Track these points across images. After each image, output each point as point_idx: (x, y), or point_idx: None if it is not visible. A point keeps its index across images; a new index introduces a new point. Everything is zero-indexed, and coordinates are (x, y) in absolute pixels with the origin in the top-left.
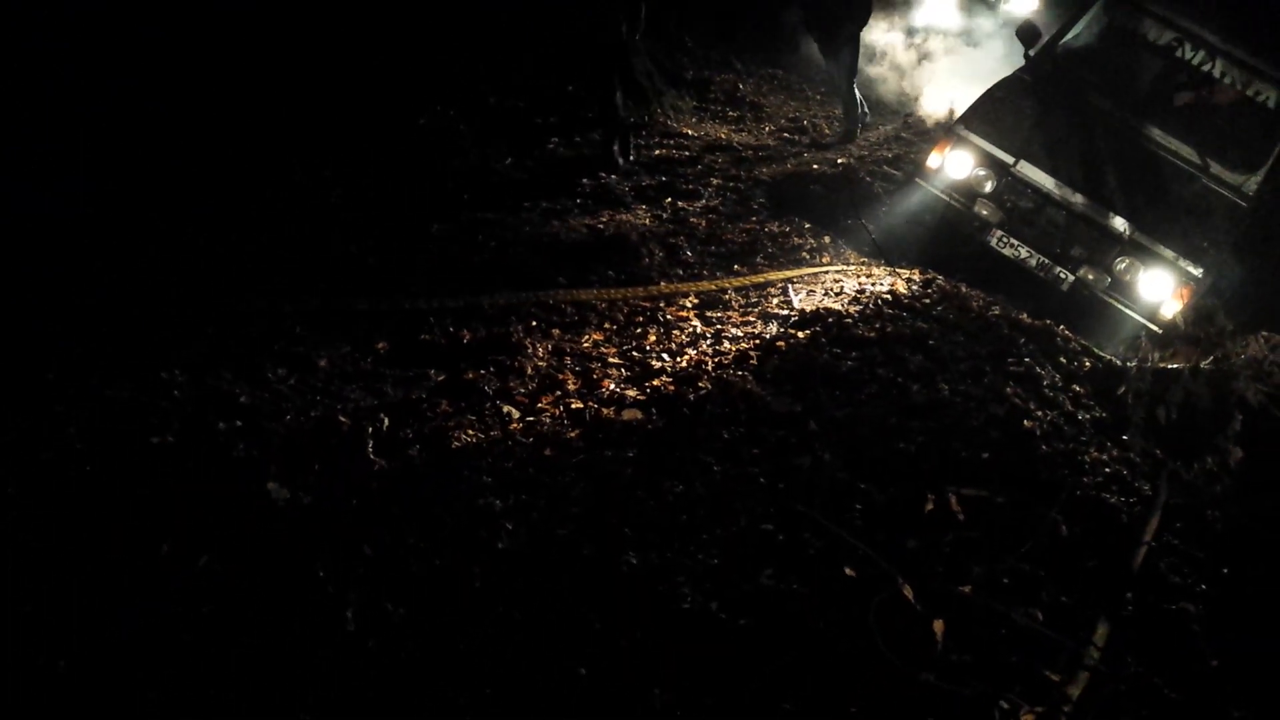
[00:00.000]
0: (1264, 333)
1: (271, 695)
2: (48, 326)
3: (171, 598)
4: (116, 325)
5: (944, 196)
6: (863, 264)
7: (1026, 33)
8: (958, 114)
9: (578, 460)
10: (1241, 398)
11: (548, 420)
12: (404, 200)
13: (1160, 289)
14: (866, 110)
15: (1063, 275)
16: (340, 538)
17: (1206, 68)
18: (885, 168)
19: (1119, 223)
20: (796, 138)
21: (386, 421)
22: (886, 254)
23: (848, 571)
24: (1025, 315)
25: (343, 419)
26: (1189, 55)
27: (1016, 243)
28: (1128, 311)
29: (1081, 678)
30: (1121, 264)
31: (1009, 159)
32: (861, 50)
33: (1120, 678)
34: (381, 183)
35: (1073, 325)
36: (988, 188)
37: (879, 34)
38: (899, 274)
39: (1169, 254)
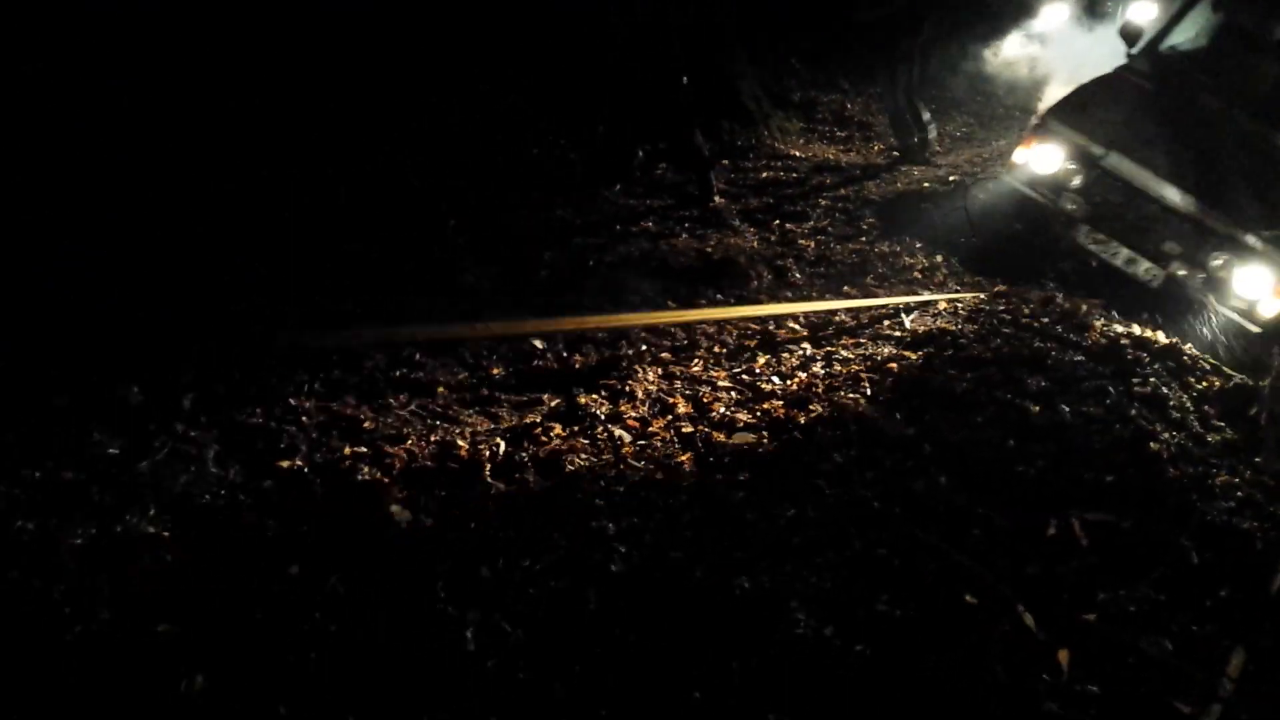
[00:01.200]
0: None
1: (396, 713)
2: (177, 352)
3: (300, 617)
4: (243, 349)
5: (1029, 191)
6: (976, 282)
7: (1129, 31)
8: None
9: (689, 484)
10: None
11: (659, 444)
12: (517, 228)
13: (1259, 286)
14: (932, 133)
15: (1154, 272)
16: (460, 560)
17: None
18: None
19: (1215, 217)
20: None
21: (503, 446)
22: (992, 268)
23: (967, 599)
24: (1150, 332)
25: (461, 443)
26: None
27: (1104, 238)
28: (1224, 309)
29: (1214, 710)
30: (1217, 260)
31: (1099, 151)
32: (983, 62)
33: (1256, 710)
34: (496, 213)
35: (1166, 324)
36: (1076, 181)
37: (1002, 46)
38: (1014, 292)
39: (1268, 249)
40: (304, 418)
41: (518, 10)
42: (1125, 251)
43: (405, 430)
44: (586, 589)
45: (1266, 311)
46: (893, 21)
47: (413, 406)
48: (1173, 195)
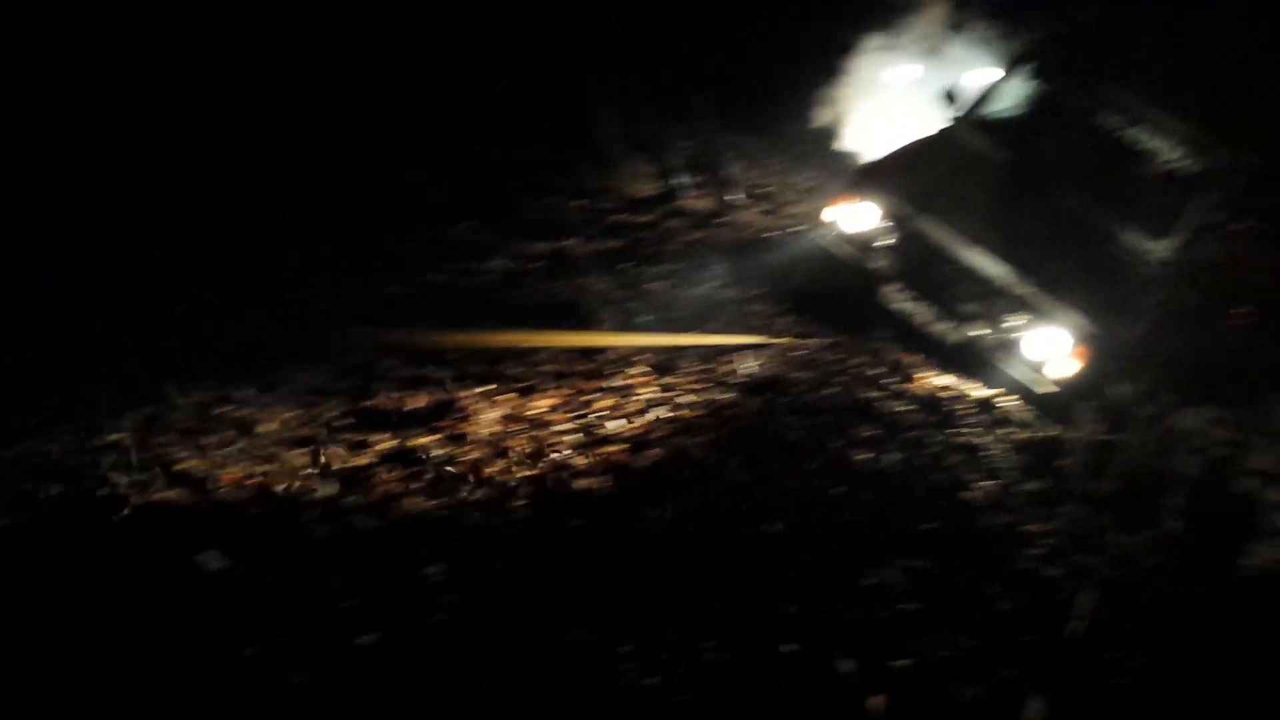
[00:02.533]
0: (1202, 403)
1: None
2: None
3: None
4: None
5: (839, 249)
6: (813, 331)
7: (949, 94)
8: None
9: (525, 529)
10: (1179, 471)
11: (495, 488)
12: (366, 266)
13: (1056, 349)
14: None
15: (950, 331)
16: (272, 608)
17: (1128, 134)
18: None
19: (1016, 280)
20: (756, 204)
21: (335, 488)
22: (827, 318)
23: (784, 650)
24: (968, 385)
25: (278, 487)
26: (1111, 121)
27: (911, 297)
28: (1019, 371)
29: None
30: (1016, 322)
31: (907, 211)
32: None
33: None
34: (342, 251)
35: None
36: (884, 241)
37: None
38: (846, 343)
39: (1067, 314)
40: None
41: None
42: (927, 311)
43: (224, 472)
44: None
45: (1058, 372)
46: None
47: (238, 446)
48: (976, 257)
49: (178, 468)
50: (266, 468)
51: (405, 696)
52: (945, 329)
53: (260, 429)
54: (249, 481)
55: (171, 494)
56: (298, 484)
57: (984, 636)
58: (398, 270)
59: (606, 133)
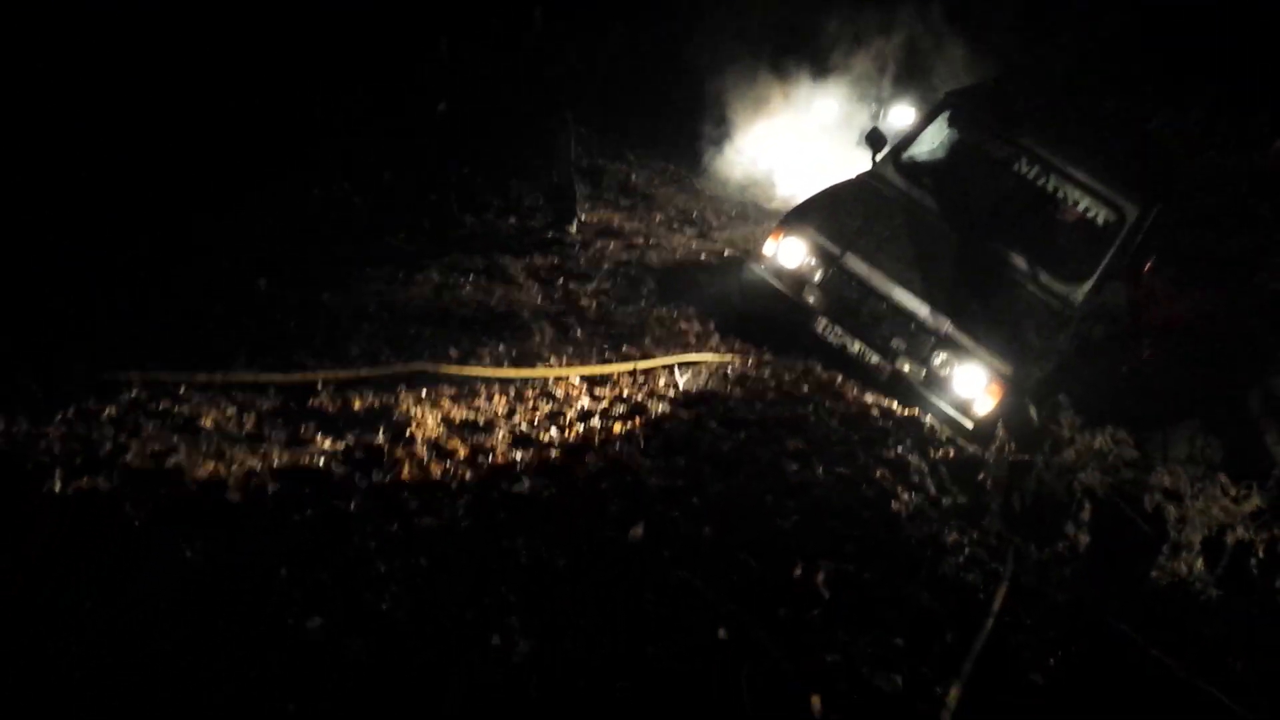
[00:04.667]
0: (1109, 428)
1: None
2: None
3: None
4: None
5: (775, 282)
6: (745, 349)
7: (872, 139)
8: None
9: (463, 529)
10: (1088, 488)
11: (436, 490)
12: (295, 269)
13: (973, 385)
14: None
15: (882, 364)
16: (221, 602)
17: (1041, 182)
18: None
19: (937, 318)
20: (685, 228)
21: (274, 487)
22: (759, 338)
23: (720, 634)
24: (895, 405)
25: (230, 479)
26: (1025, 170)
27: (840, 331)
28: (940, 405)
29: None
30: (938, 358)
31: (837, 250)
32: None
33: None
34: (271, 251)
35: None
36: (816, 277)
37: (763, 131)
38: (777, 361)
39: (983, 352)
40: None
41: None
42: (858, 344)
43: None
44: (353, 635)
45: (980, 409)
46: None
47: (176, 440)
48: (901, 295)
49: (125, 459)
50: (213, 463)
51: (345, 679)
52: (874, 361)
53: (204, 423)
54: (201, 475)
55: (112, 483)
56: (245, 479)
57: (908, 635)
58: (335, 282)
59: (553, 155)
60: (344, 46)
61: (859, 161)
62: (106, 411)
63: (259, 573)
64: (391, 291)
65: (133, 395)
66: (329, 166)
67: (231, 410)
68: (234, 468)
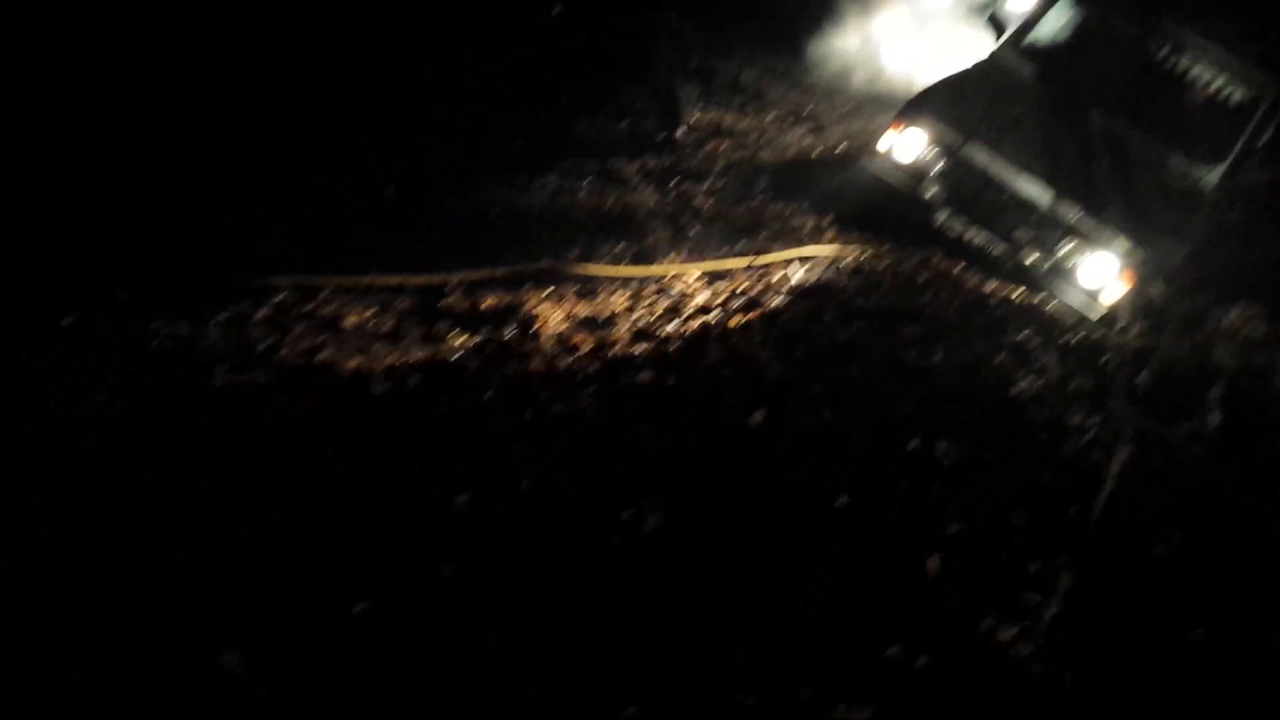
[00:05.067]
0: (1242, 306)
1: None
2: None
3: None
4: None
5: (891, 177)
6: (860, 242)
7: (993, 23)
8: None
9: (590, 417)
10: (1218, 368)
11: (563, 381)
12: (420, 179)
13: (1102, 274)
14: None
15: (1006, 255)
16: (376, 479)
17: (1173, 62)
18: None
19: (1064, 207)
20: (797, 125)
21: (414, 379)
22: (874, 231)
23: (840, 502)
24: (1015, 292)
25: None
26: (1156, 49)
27: (961, 222)
28: (1067, 293)
29: (1056, 600)
30: (1065, 247)
31: (958, 139)
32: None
33: (1092, 602)
34: (390, 163)
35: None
36: (935, 168)
37: (875, 20)
38: (893, 252)
39: (1113, 239)
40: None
41: None
42: (981, 235)
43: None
44: (495, 501)
45: (1108, 298)
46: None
47: (322, 338)
48: (1025, 184)
49: (279, 355)
50: (358, 359)
51: (490, 555)
52: (998, 252)
53: (346, 323)
54: (348, 369)
55: (268, 377)
56: (388, 373)
57: (1027, 509)
58: (458, 189)
59: (659, 58)
60: None
61: (977, 47)
62: (259, 313)
63: (405, 456)
64: (511, 196)
65: (281, 298)
66: (442, 82)
67: (371, 310)
68: (377, 363)
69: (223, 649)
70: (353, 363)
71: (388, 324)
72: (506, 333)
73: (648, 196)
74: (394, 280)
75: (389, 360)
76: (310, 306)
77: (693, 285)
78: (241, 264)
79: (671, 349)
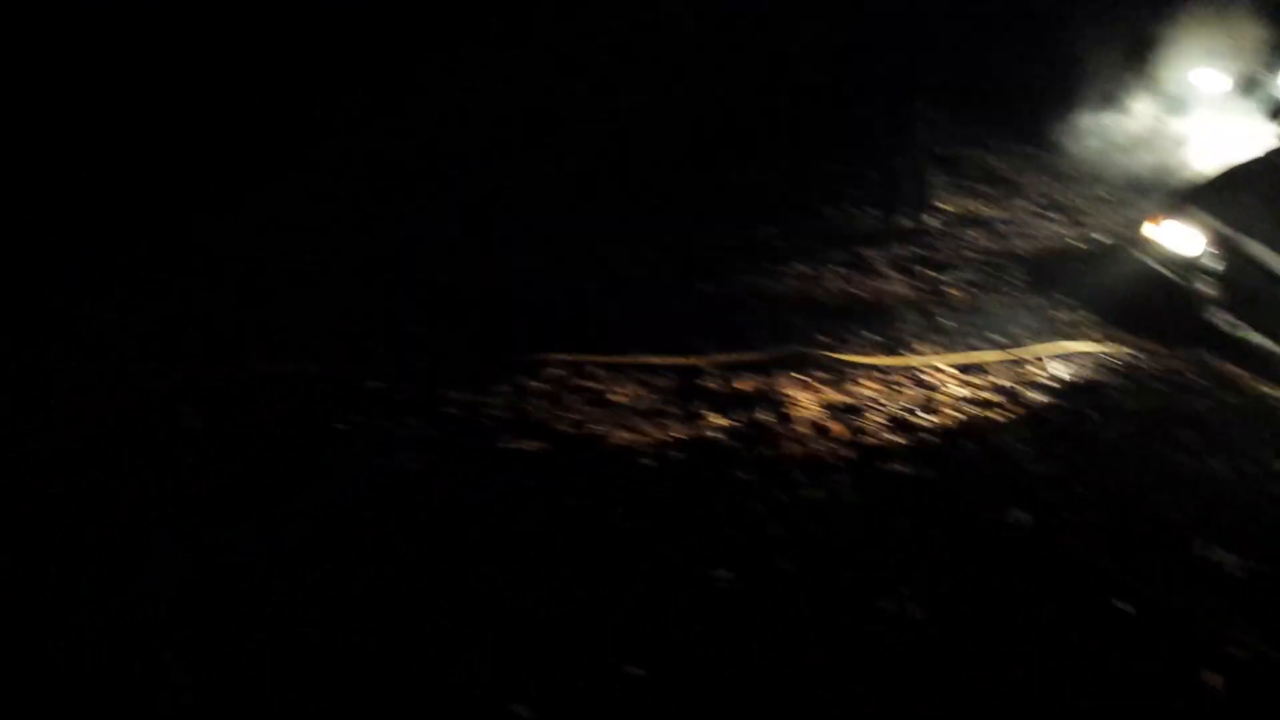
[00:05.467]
0: None
1: None
2: None
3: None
4: None
5: (1160, 268)
6: (1123, 340)
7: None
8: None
9: (846, 503)
10: None
11: (817, 465)
12: (678, 263)
13: None
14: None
15: None
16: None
17: None
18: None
19: None
20: (1052, 213)
21: (678, 455)
22: (1137, 328)
23: (1118, 606)
24: None
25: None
26: None
27: (1236, 319)
28: None
29: None
30: None
31: (1236, 235)
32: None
33: None
34: (655, 248)
35: None
36: (1209, 263)
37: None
38: (1162, 351)
39: None
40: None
41: None
42: (1257, 337)
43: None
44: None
45: None
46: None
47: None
48: None
49: (556, 425)
50: (625, 432)
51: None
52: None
53: (613, 398)
54: (616, 441)
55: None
56: (653, 447)
57: None
58: (711, 273)
59: (908, 144)
60: None
61: (1248, 137)
62: (535, 385)
63: (668, 531)
64: (761, 281)
65: (556, 373)
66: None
67: (634, 387)
68: (642, 437)
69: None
70: (620, 435)
71: (649, 400)
72: (760, 415)
73: (896, 284)
74: (655, 360)
75: (653, 435)
76: (580, 382)
77: (946, 377)
78: (521, 343)
79: (927, 440)
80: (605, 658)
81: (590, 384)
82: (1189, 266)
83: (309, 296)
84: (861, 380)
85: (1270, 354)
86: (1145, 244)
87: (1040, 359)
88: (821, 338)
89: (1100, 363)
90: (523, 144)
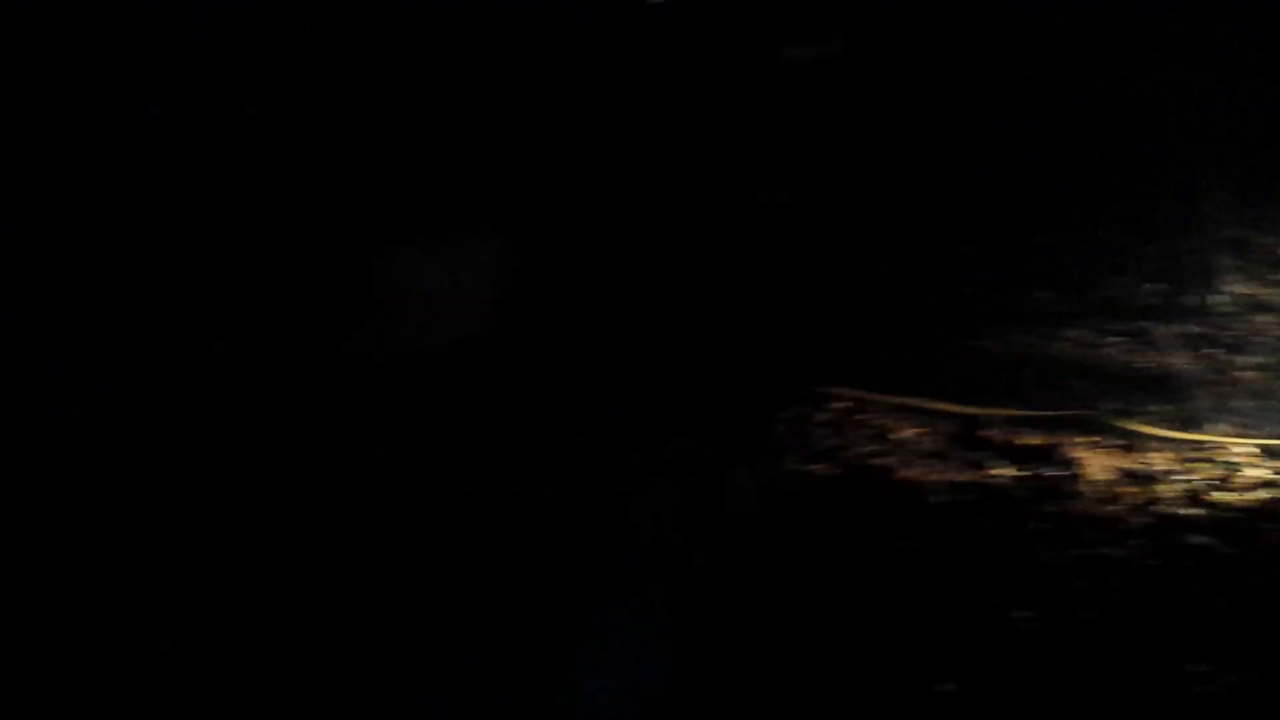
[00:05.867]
0: None
1: None
2: None
3: None
4: None
5: None
6: None
7: None
8: None
9: (1142, 567)
10: None
11: (1109, 526)
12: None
13: None
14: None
15: None
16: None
17: None
18: None
19: None
20: None
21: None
22: None
23: None
24: None
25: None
26: None
27: None
28: None
29: None
30: None
31: None
32: None
33: None
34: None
35: None
36: None
37: None
38: None
39: None
40: None
41: None
42: None
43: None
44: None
45: None
46: None
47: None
48: None
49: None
50: (910, 470)
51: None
52: None
53: (895, 435)
54: (903, 476)
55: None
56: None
57: None
58: (989, 331)
59: (1195, 224)
60: None
61: None
62: (820, 416)
63: (964, 566)
64: (1039, 343)
65: (841, 406)
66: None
67: (916, 429)
68: (927, 476)
69: None
70: (906, 471)
71: (932, 443)
72: (1048, 471)
73: (1182, 361)
74: (938, 406)
75: (940, 475)
76: (863, 416)
77: (1245, 458)
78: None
79: (1227, 518)
80: (914, 673)
81: (874, 420)
82: None
83: None
84: (1150, 450)
85: None
86: None
87: None
88: (1105, 404)
89: None
90: None
